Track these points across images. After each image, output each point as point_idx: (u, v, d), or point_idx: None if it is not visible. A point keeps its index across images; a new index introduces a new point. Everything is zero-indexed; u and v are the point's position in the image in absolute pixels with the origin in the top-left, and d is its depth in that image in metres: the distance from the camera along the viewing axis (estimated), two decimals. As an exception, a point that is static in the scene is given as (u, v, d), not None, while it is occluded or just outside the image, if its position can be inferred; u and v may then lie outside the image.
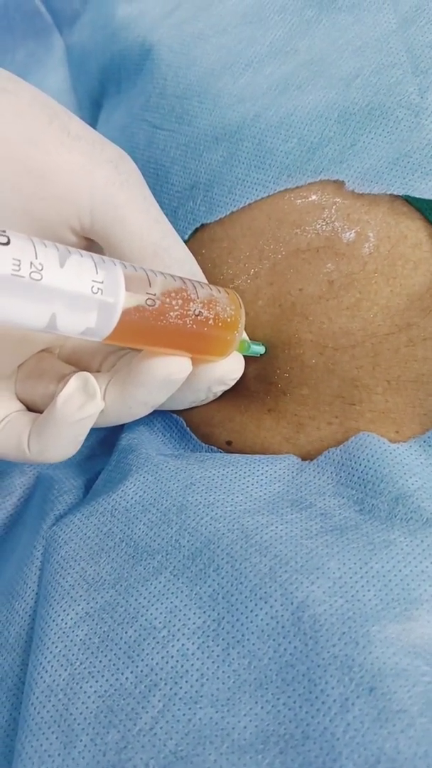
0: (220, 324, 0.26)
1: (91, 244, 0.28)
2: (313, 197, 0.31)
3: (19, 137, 0.24)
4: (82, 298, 0.21)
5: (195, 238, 0.34)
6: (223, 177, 0.34)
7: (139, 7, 0.42)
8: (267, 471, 0.29)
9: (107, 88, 0.45)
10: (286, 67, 0.34)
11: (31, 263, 0.20)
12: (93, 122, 0.47)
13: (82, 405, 0.25)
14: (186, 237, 0.35)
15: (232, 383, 0.30)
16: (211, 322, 0.25)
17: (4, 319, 0.20)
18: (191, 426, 0.34)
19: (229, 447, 0.33)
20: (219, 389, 0.30)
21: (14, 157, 0.24)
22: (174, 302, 0.24)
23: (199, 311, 0.25)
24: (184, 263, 0.27)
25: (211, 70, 0.36)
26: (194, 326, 0.25)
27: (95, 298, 0.21)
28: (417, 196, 0.29)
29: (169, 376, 0.25)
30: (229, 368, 0.29)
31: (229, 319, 0.26)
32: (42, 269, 0.20)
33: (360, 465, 0.28)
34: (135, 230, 0.26)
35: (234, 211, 0.33)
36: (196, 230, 0.34)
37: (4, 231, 0.20)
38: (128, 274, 0.23)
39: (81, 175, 0.25)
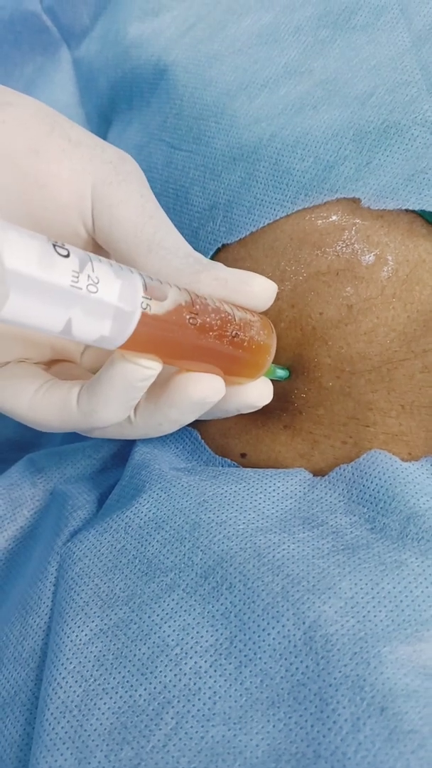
0: (254, 347, 0.27)
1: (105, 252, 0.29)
2: (334, 217, 0.32)
3: (23, 148, 0.25)
4: (100, 304, 0.21)
5: (218, 259, 0.35)
6: (241, 197, 0.35)
7: (153, 26, 0.43)
8: (279, 487, 0.30)
9: (117, 104, 0.47)
10: (301, 87, 0.36)
11: (89, 276, 0.21)
12: (102, 137, 0.48)
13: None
14: (208, 258, 0.36)
15: (260, 407, 0.31)
16: (246, 344, 0.26)
17: (22, 320, 0.20)
18: (207, 436, 0.35)
19: (243, 459, 0.34)
20: (246, 411, 0.31)
21: (19, 169, 0.25)
22: (214, 322, 0.25)
23: (236, 333, 0.26)
24: (178, 250, 0.27)
25: (227, 91, 0.37)
26: (230, 347, 0.26)
27: (112, 305, 0.21)
28: None
29: (203, 399, 0.26)
30: (260, 395, 0.29)
31: (262, 343, 0.27)
32: (98, 282, 0.21)
33: (371, 483, 0.29)
34: (129, 228, 0.26)
35: (255, 231, 0.34)
36: (219, 250, 0.35)
37: (63, 244, 0.21)
38: (157, 287, 0.23)
39: (81, 180, 0.26)
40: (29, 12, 0.53)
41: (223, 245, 0.35)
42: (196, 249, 0.36)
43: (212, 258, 0.36)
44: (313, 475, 0.31)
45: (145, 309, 0.22)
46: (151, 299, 0.23)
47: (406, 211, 0.31)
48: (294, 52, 0.37)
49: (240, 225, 0.34)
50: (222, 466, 0.34)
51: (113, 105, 0.47)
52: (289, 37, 0.37)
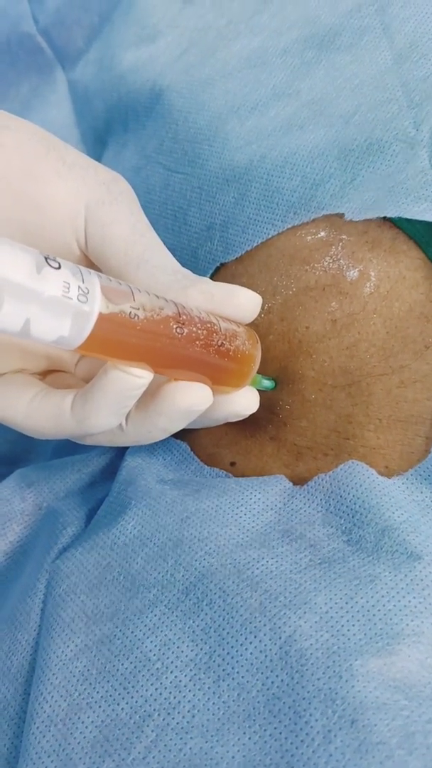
0: (239, 356, 0.28)
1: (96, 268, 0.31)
2: (322, 234, 0.33)
3: (19, 171, 0.27)
4: (58, 303, 0.22)
5: (218, 276, 0.37)
6: (236, 217, 0.36)
7: (149, 51, 0.45)
8: (259, 499, 0.31)
9: (112, 127, 0.49)
10: (289, 108, 0.37)
11: (79, 287, 0.22)
12: (97, 158, 0.50)
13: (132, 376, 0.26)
14: (208, 277, 0.37)
15: (247, 416, 0.32)
16: (231, 353, 0.28)
17: None
18: (198, 446, 0.37)
19: (233, 468, 0.35)
20: (234, 420, 0.32)
21: (16, 191, 0.27)
22: (200, 332, 0.26)
23: (222, 342, 0.27)
24: (166, 267, 0.28)
25: (219, 115, 0.39)
26: (216, 356, 0.27)
27: (71, 304, 0.22)
28: (409, 217, 0.31)
29: (191, 407, 0.27)
30: (247, 403, 0.31)
31: (247, 353, 0.29)
32: (88, 293, 0.22)
33: (349, 494, 0.30)
34: (120, 246, 0.28)
35: (250, 249, 0.35)
36: (218, 269, 0.37)
37: (54, 258, 0.22)
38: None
39: (75, 200, 0.28)
40: (25, 33, 0.55)
41: (222, 264, 0.37)
42: (195, 268, 0.38)
43: (212, 276, 0.37)
44: (293, 484, 0.33)
45: (133, 318, 0.24)
46: (139, 309, 0.24)
47: (390, 227, 0.32)
48: (282, 75, 0.38)
49: (236, 244, 0.36)
50: (209, 477, 0.35)
51: (109, 127, 0.49)
52: (277, 59, 0.39)
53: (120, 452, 0.40)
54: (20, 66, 0.57)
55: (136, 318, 0.24)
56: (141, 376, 0.26)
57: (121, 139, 0.48)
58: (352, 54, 0.36)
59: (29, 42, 0.56)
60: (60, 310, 0.22)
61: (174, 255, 0.30)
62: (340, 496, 0.30)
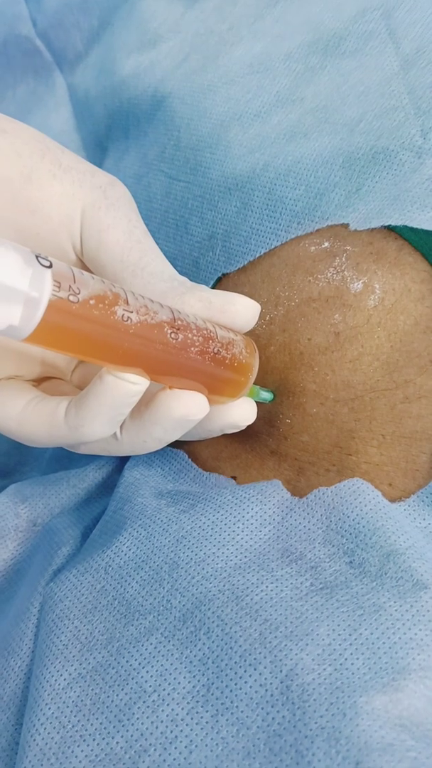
0: (236, 365, 0.27)
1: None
2: (326, 244, 0.32)
3: (16, 175, 0.26)
4: (5, 289, 0.20)
5: (220, 286, 0.36)
6: (238, 227, 0.35)
7: (150, 57, 0.44)
8: (257, 512, 0.30)
9: (113, 133, 0.48)
10: (292, 115, 0.36)
11: (70, 287, 0.21)
12: (98, 164, 0.49)
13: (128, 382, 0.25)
14: (210, 287, 0.36)
15: (244, 427, 0.31)
16: (227, 361, 0.27)
17: None
18: (198, 459, 0.36)
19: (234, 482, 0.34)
20: (230, 431, 0.31)
21: (11, 195, 0.26)
22: (196, 338, 0.25)
23: (218, 350, 0.26)
24: (162, 274, 0.28)
25: (221, 122, 0.38)
26: (212, 364, 0.26)
27: (18, 290, 0.20)
28: (414, 225, 0.30)
29: (186, 416, 0.26)
30: (243, 414, 0.30)
31: (244, 362, 0.28)
32: (78, 293, 0.22)
33: (351, 512, 0.28)
34: (116, 252, 0.27)
35: (252, 260, 0.34)
36: (220, 279, 0.36)
37: (46, 257, 0.21)
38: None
39: (71, 204, 0.27)
40: (22, 36, 0.54)
41: (224, 274, 0.36)
42: (197, 278, 0.37)
43: (214, 286, 0.36)
44: (291, 494, 0.32)
45: (125, 321, 0.23)
46: (132, 312, 0.23)
47: (395, 237, 0.31)
48: (285, 80, 0.37)
49: (238, 254, 0.35)
50: (209, 485, 0.34)
51: (110, 133, 0.48)
52: (280, 65, 0.38)
53: (118, 467, 0.39)
54: (16, 68, 0.56)
55: (129, 321, 0.23)
56: (136, 383, 0.25)
57: (122, 145, 0.46)
58: (357, 60, 0.35)
59: (26, 44, 0.55)
60: (6, 296, 0.20)
61: (175, 264, 0.29)
62: (342, 513, 0.29)
